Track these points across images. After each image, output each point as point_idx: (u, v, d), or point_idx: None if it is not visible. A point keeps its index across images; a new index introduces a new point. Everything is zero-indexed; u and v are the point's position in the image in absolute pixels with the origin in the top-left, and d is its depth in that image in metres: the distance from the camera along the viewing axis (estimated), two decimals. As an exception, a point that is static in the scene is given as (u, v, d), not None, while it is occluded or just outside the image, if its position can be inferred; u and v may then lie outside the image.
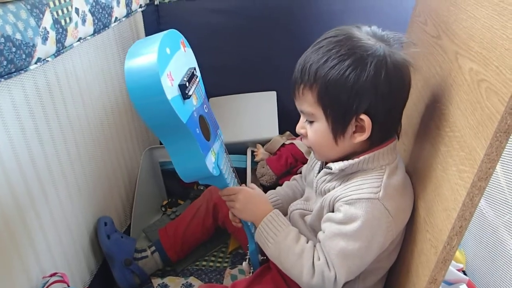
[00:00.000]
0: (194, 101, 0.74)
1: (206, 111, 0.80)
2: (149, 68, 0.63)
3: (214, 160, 0.78)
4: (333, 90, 0.71)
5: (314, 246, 0.78)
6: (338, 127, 0.74)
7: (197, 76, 0.76)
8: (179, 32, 0.75)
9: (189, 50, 0.78)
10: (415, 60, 0.91)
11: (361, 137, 0.73)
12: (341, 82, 0.70)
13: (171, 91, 0.65)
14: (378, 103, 0.71)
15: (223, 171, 0.80)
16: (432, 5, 0.90)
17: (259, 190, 0.89)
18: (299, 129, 0.81)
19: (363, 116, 0.71)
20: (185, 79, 0.70)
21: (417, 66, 0.89)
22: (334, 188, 0.78)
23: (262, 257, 0.93)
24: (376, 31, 0.74)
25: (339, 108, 0.72)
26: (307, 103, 0.75)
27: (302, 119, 0.80)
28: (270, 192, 1.00)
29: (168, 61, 0.67)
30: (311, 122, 0.77)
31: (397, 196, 0.74)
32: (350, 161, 0.75)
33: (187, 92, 0.69)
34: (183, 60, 0.74)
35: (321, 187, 0.81)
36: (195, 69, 0.76)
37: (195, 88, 0.73)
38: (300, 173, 1.01)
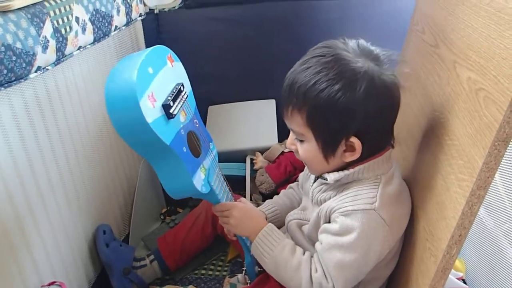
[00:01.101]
0: (181, 117, 0.73)
1: (196, 126, 0.79)
2: (127, 92, 0.62)
3: (204, 177, 0.77)
4: (322, 114, 0.71)
5: (311, 256, 0.77)
6: (328, 148, 0.74)
7: (185, 92, 0.75)
8: (166, 47, 0.74)
9: (178, 64, 0.77)
10: (413, 69, 0.92)
11: (351, 157, 0.73)
12: (331, 107, 0.69)
13: (152, 113, 0.64)
14: (368, 125, 0.71)
15: (214, 187, 0.79)
16: (429, 14, 0.90)
17: (251, 205, 0.89)
18: (289, 145, 0.81)
19: (353, 139, 0.71)
20: (169, 98, 0.69)
21: (415, 76, 0.90)
22: (330, 198, 0.78)
23: (259, 269, 0.93)
24: (364, 48, 0.73)
25: (329, 131, 0.72)
26: (296, 123, 0.75)
27: (292, 136, 0.79)
28: (268, 202, 0.99)
29: (150, 81, 0.65)
30: (301, 141, 0.77)
31: (393, 205, 0.74)
32: (346, 172, 0.75)
33: (171, 112, 0.68)
34: (170, 76, 0.72)
35: (317, 197, 0.81)
36: (183, 85, 0.75)
37: (182, 105, 0.72)
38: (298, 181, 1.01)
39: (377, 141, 0.75)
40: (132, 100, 0.61)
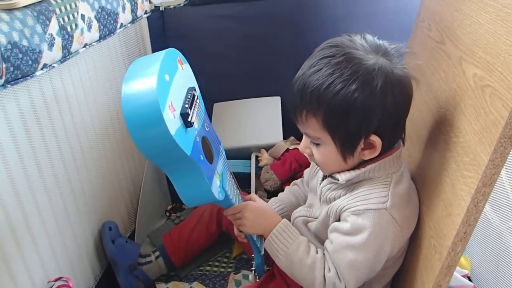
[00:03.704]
0: (195, 124, 0.69)
1: (207, 130, 0.76)
2: (149, 104, 0.58)
3: (219, 184, 0.75)
4: (340, 116, 0.69)
5: (323, 253, 0.77)
6: (347, 149, 0.72)
7: (197, 97, 0.72)
8: (175, 50, 0.71)
9: (187, 67, 0.74)
10: (419, 65, 0.91)
11: (371, 155, 0.73)
12: (349, 107, 0.67)
13: (173, 124, 0.60)
14: (386, 121, 0.70)
15: (228, 192, 0.78)
16: (436, 10, 0.90)
17: (262, 202, 0.88)
18: (303, 149, 0.79)
19: (373, 137, 0.70)
20: (186, 105, 0.66)
21: (420, 72, 0.89)
22: (339, 197, 0.77)
23: (267, 268, 0.93)
24: (373, 44, 0.71)
25: (347, 132, 0.70)
26: (311, 128, 0.73)
27: (306, 140, 0.78)
28: (273, 199, 0.99)
29: (168, 89, 0.62)
30: (317, 144, 0.75)
31: (404, 205, 0.73)
32: (357, 171, 0.74)
33: (189, 120, 0.65)
34: (182, 81, 0.69)
35: (326, 195, 0.81)
36: (194, 89, 0.72)
37: (197, 112, 0.69)
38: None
39: (394, 136, 0.74)
40: (156, 114, 0.58)
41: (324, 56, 0.70)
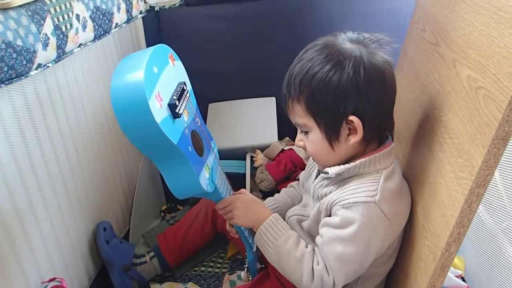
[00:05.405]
0: (185, 117, 0.72)
1: (198, 124, 0.79)
2: (136, 92, 0.61)
3: (208, 176, 0.77)
4: (318, 97, 0.73)
5: (313, 249, 0.78)
6: (331, 132, 0.75)
7: (187, 91, 0.74)
8: (167, 46, 0.73)
9: (178, 63, 0.77)
10: (413, 67, 0.92)
11: (355, 139, 0.74)
12: (324, 88, 0.72)
13: (160, 113, 0.63)
14: (363, 103, 0.72)
15: (217, 185, 0.79)
16: (430, 12, 0.91)
17: (253, 196, 0.89)
18: (298, 142, 0.82)
19: (352, 117, 0.72)
20: (174, 97, 0.68)
21: (415, 74, 0.90)
22: (331, 192, 0.78)
23: (260, 266, 0.93)
24: (351, 36, 0.77)
25: (327, 113, 0.73)
26: (298, 115, 0.77)
27: (299, 132, 0.81)
28: (269, 199, 1.00)
29: (156, 80, 0.65)
30: (306, 133, 0.79)
31: (394, 200, 0.74)
32: (347, 165, 0.76)
33: (177, 111, 0.67)
34: (172, 75, 0.72)
35: (318, 192, 0.82)
36: (185, 83, 0.74)
37: (186, 104, 0.72)
38: (298, 179, 1.01)
39: (378, 121, 0.75)
40: (141, 100, 0.60)
41: (308, 48, 0.77)
